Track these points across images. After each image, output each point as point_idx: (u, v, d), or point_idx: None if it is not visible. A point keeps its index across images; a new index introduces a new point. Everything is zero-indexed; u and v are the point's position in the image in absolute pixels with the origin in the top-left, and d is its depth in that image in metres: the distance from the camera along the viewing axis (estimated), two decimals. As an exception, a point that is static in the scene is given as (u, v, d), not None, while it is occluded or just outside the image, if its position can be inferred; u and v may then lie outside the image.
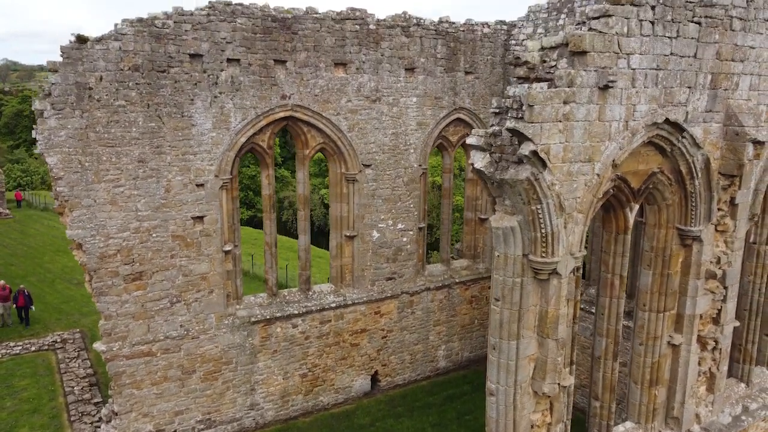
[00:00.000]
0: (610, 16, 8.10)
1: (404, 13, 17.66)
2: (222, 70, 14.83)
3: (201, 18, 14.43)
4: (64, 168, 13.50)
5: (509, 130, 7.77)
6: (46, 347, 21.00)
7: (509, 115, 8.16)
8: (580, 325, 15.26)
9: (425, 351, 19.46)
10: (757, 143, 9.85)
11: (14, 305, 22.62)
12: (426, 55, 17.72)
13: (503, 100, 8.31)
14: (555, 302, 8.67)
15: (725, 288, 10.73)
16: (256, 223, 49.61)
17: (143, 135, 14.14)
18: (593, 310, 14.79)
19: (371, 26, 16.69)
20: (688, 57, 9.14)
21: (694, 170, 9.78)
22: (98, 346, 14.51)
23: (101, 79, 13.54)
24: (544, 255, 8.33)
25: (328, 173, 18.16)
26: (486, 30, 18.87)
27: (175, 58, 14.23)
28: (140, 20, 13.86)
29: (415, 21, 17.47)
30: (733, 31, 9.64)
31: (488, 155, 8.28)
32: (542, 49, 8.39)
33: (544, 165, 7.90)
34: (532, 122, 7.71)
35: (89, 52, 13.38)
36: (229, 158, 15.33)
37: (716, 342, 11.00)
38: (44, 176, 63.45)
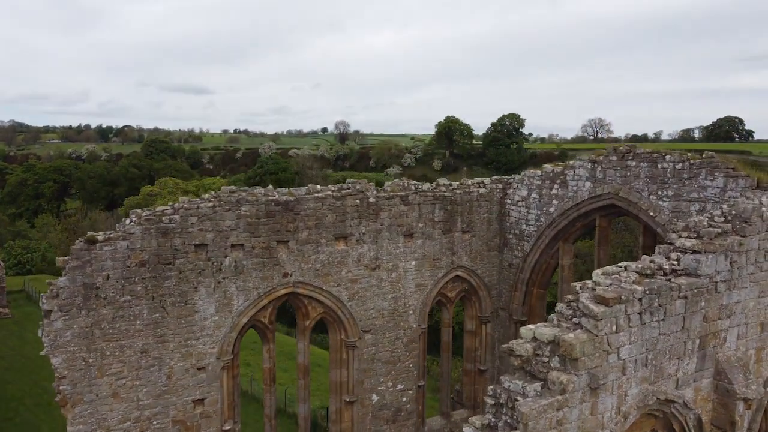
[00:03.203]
0: (599, 319, 8.47)
1: (403, 181, 18.32)
2: (226, 256, 15.25)
3: (207, 210, 14.96)
4: (68, 367, 13.72)
5: (505, 445, 8.01)
6: (40, 498, 20.70)
7: (504, 411, 8.42)
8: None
9: None
10: (747, 400, 10.10)
11: None
12: (424, 220, 18.23)
13: (498, 391, 8.59)
14: None
15: None
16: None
17: (147, 326, 14.42)
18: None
19: (371, 199, 17.24)
20: (676, 332, 9.50)
21: (687, 428, 10.00)
22: None
23: (108, 277, 13.92)
24: None
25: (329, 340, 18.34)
26: (482, 190, 19.48)
27: (180, 249, 14.67)
28: (148, 218, 14.36)
29: (413, 189, 18.08)
30: (718, 293, 10.04)
31: (484, 449, 8.49)
32: (535, 339, 8.73)
33: (539, 476, 8.11)
34: (527, 438, 7.96)
35: (98, 253, 13.82)
36: (230, 339, 15.58)
37: None
38: (44, 253, 63.34)
